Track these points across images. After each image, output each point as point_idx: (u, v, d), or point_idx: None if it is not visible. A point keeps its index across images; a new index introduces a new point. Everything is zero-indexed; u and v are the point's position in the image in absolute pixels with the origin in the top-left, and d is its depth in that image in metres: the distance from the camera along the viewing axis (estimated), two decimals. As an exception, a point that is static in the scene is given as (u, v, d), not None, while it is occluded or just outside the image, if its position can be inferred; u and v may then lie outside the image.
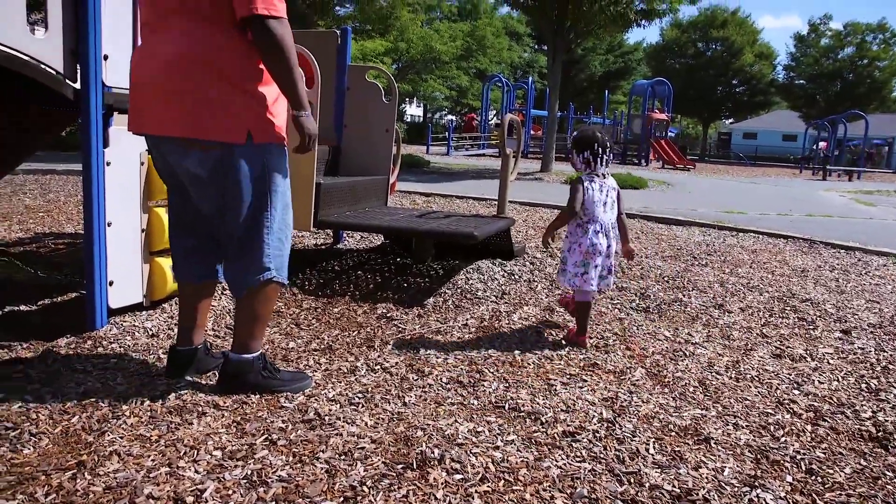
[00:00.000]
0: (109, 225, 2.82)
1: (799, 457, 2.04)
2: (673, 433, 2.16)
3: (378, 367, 2.60)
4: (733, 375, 2.73)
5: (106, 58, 2.74)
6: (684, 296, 4.03)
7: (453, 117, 40.51)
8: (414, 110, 49.63)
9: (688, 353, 2.98)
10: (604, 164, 3.04)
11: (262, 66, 2.14)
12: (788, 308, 3.88)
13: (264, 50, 2.07)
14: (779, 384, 2.65)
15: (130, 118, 2.23)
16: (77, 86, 2.69)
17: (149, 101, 2.14)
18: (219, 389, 2.31)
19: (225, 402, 2.20)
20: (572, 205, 3.00)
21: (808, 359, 3.00)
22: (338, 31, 4.82)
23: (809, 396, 2.54)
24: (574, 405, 2.33)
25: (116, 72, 2.80)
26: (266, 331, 2.43)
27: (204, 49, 2.07)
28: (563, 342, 3.06)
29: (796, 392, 2.58)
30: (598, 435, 2.11)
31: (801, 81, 42.02)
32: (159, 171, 2.36)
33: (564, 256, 3.10)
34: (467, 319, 3.31)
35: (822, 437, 2.20)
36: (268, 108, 2.16)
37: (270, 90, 2.17)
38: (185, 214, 2.37)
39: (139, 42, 2.87)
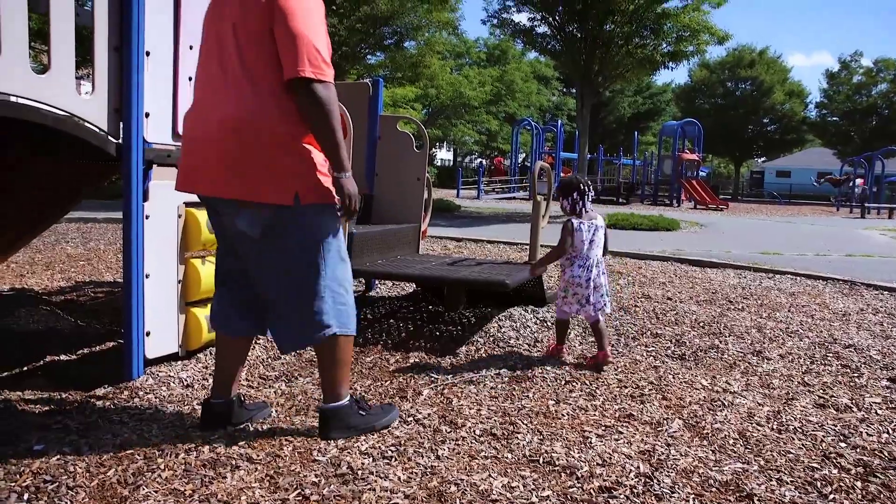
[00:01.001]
0: (148, 276, 2.88)
1: (848, 515, 1.96)
2: (713, 489, 2.10)
3: (411, 418, 2.58)
4: (775, 427, 2.65)
5: (147, 115, 2.84)
6: (721, 342, 3.95)
7: (483, 161, 40.84)
8: (444, 154, 50.21)
9: (726, 403, 2.90)
10: (588, 203, 3.48)
11: None
12: (831, 354, 3.77)
13: (308, 112, 2.13)
14: (824, 436, 2.56)
15: (181, 177, 2.30)
16: (119, 142, 2.79)
17: (201, 162, 2.21)
18: (321, 437, 2.36)
19: (258, 456, 2.20)
20: (563, 244, 3.46)
21: (855, 409, 2.90)
22: (370, 82, 4.93)
23: (858, 450, 2.45)
24: (610, 459, 2.28)
25: (157, 129, 2.90)
26: (349, 376, 2.49)
27: (255, 111, 2.13)
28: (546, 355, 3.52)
29: (843, 445, 2.49)
30: (635, 491, 2.06)
31: (835, 119, 41.56)
32: (212, 225, 2.43)
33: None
34: (500, 368, 3.28)
35: (874, 496, 2.11)
36: (316, 169, 2.21)
37: (318, 151, 2.22)
38: (233, 269, 2.42)
39: (181, 98, 2.98)
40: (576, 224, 3.42)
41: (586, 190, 3.47)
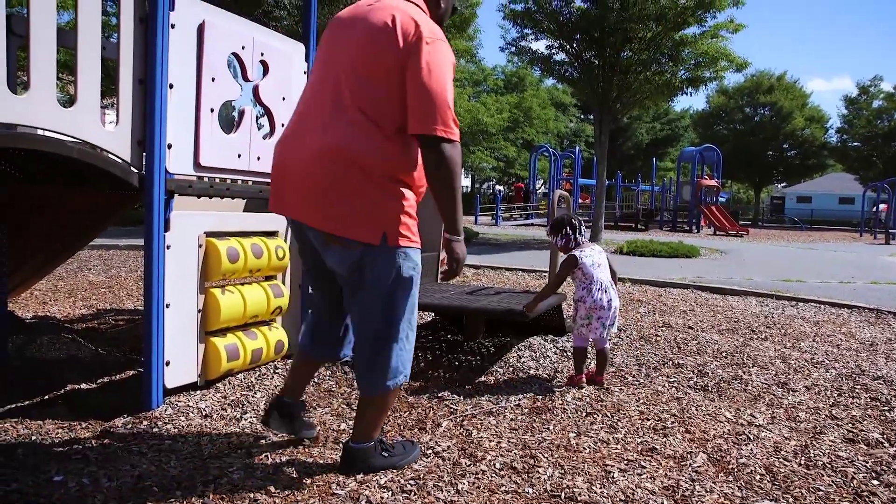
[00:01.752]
0: (168, 306, 2.89)
1: (882, 557, 1.90)
2: (741, 528, 2.04)
3: (430, 450, 2.55)
4: (803, 462, 2.59)
5: (170, 147, 2.87)
6: (744, 373, 3.88)
7: (501, 187, 40.94)
8: (462, 181, 50.36)
9: (752, 437, 2.84)
10: (582, 234, 3.57)
11: (407, 171, 2.18)
12: (859, 386, 3.68)
13: (433, 171, 2.12)
14: (854, 473, 2.49)
15: (273, 199, 2.30)
16: (142, 173, 2.83)
17: (293, 188, 2.20)
18: (341, 472, 2.32)
19: (276, 489, 2.18)
20: (559, 281, 3.58)
21: (886, 444, 2.82)
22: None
23: (891, 488, 2.37)
24: (633, 494, 2.23)
25: (179, 160, 2.94)
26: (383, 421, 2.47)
27: (353, 146, 2.10)
28: (569, 385, 3.49)
29: (875, 482, 2.41)
30: (660, 529, 2.00)
31: (856, 144, 41.18)
32: (299, 246, 2.42)
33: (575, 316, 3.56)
34: (520, 399, 3.24)
35: (907, 535, 2.05)
36: (406, 212, 2.18)
37: (409, 195, 2.21)
38: (322, 293, 2.46)
39: (203, 129, 3.01)
40: (578, 254, 3.50)
41: (577, 224, 3.57)
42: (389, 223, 2.15)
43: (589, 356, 3.64)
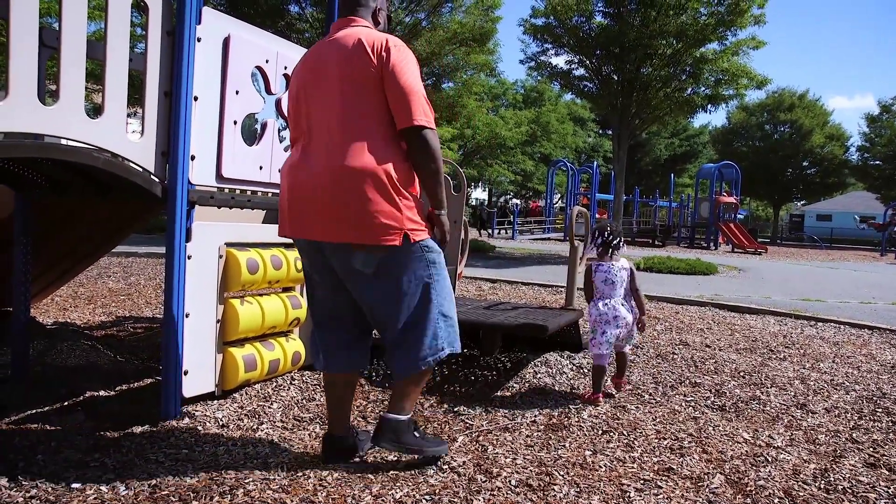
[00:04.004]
0: (187, 316, 2.92)
1: (904, 586, 1.86)
2: (760, 552, 2.01)
3: (445, 466, 2.54)
4: (823, 486, 2.55)
5: (193, 158, 2.91)
6: (762, 393, 3.83)
7: (518, 201, 40.93)
8: (479, 194, 50.41)
9: (770, 459, 2.80)
10: (616, 248, 3.60)
11: (412, 171, 2.37)
12: (880, 409, 3.63)
13: (419, 156, 2.34)
14: (876, 499, 2.45)
15: (286, 224, 2.45)
16: (165, 183, 2.86)
17: (311, 209, 2.35)
18: (373, 441, 2.48)
19: (292, 501, 2.19)
20: (589, 289, 3.66)
21: (907, 469, 2.77)
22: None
23: (911, 515, 2.34)
24: (650, 515, 2.21)
25: (201, 171, 2.97)
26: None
27: (365, 159, 2.29)
28: (582, 402, 3.49)
29: (896, 509, 2.38)
30: (677, 551, 1.98)
31: (877, 162, 40.68)
32: (313, 267, 2.52)
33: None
34: (536, 416, 3.23)
35: (930, 564, 2.01)
36: (416, 209, 2.38)
37: (418, 188, 2.41)
38: (336, 310, 2.56)
39: (226, 141, 3.05)
40: (594, 266, 3.62)
41: (615, 236, 3.62)
42: (409, 223, 2.34)
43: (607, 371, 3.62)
